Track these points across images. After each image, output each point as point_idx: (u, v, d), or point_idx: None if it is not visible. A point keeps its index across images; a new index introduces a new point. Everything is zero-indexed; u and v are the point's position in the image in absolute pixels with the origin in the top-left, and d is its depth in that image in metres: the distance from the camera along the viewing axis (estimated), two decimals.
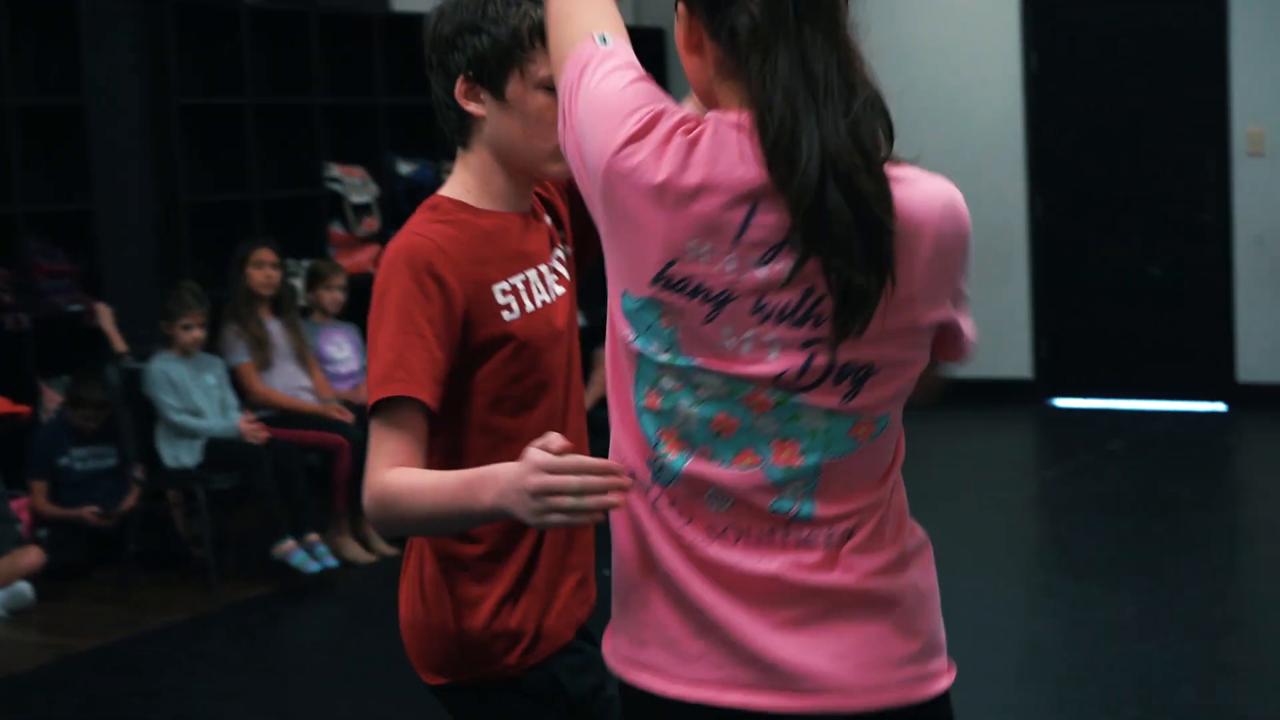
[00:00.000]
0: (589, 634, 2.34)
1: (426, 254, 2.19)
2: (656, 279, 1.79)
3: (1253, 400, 8.77)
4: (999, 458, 8.02)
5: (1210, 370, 8.92)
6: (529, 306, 2.26)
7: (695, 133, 1.78)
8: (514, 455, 1.90)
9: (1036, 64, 9.36)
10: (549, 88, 2.19)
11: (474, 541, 2.22)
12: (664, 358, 1.82)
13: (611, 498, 1.80)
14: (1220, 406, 8.88)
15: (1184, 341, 9.02)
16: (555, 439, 1.85)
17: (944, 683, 1.88)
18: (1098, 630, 5.11)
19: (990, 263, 9.60)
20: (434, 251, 2.19)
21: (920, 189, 1.85)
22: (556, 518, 1.82)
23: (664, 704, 1.85)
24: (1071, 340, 9.40)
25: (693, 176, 1.77)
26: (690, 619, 1.84)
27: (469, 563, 2.24)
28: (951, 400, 8.65)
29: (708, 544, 1.84)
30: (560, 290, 2.32)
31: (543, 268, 2.31)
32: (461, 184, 2.31)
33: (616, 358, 1.86)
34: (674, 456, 1.84)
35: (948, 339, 1.91)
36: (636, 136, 1.79)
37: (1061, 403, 9.41)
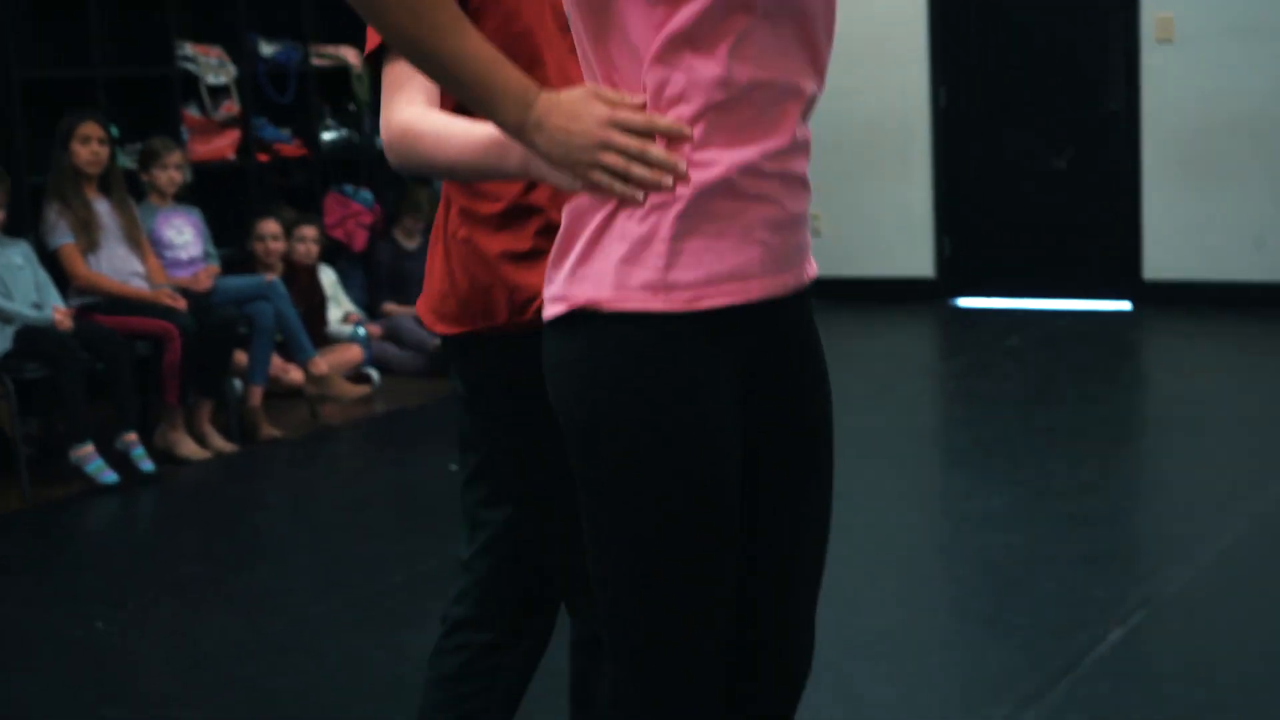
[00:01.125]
0: None
1: None
2: None
3: (1159, 297, 8.46)
4: (895, 354, 7.70)
5: (1116, 267, 8.61)
6: None
7: None
8: None
9: None
10: None
11: (494, 200, 2.25)
12: None
13: (667, 180, 1.75)
14: (1126, 305, 8.58)
15: (1090, 238, 8.70)
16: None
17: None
18: (961, 520, 4.83)
19: (891, 157, 9.24)
20: None
21: None
22: (598, 178, 1.77)
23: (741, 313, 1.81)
24: (975, 237, 9.05)
25: None
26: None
27: (490, 219, 2.27)
28: (852, 299, 8.45)
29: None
30: None
31: None
32: None
33: None
34: None
35: None
36: None
37: (965, 302, 9.08)
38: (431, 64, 1.81)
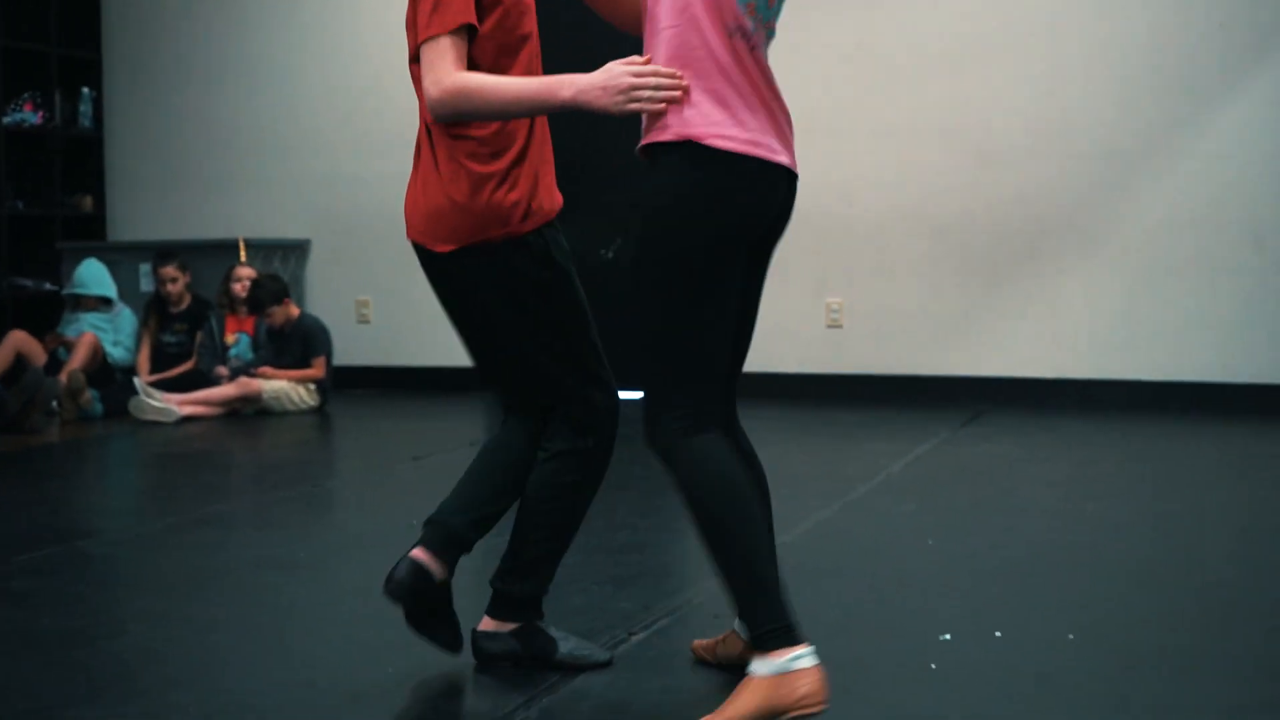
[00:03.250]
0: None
1: None
2: None
3: None
4: (439, 438, 7.49)
5: None
6: None
7: None
8: None
9: None
10: None
11: (494, 152, 3.09)
12: None
13: (676, 94, 2.84)
14: None
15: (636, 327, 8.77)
16: (639, 57, 2.89)
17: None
18: (494, 552, 4.63)
19: None
20: None
21: None
22: (635, 105, 2.87)
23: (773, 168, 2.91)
24: None
25: None
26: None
27: (476, 152, 3.09)
28: (402, 388, 8.16)
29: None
30: None
31: None
32: None
33: None
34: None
35: None
36: None
37: None
38: (509, 105, 3.00)
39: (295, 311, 8.37)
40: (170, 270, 8.57)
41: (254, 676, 3.38)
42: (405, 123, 9.04)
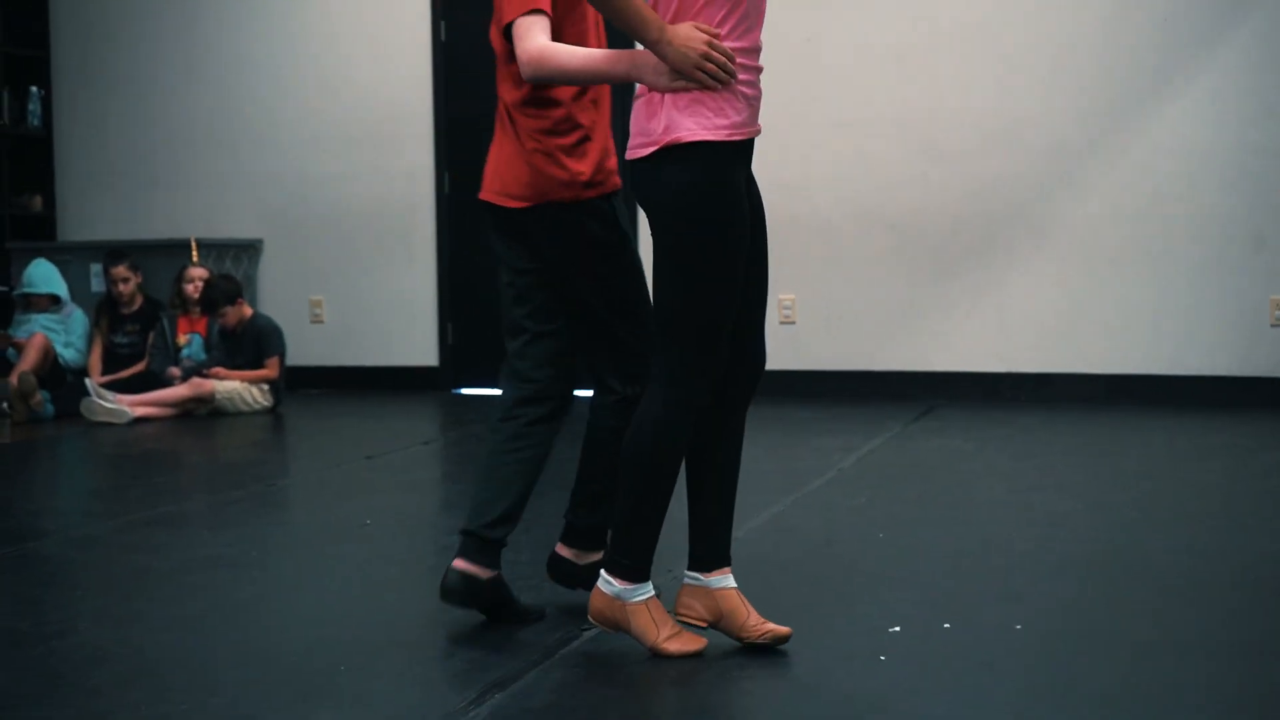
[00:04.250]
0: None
1: None
2: None
3: None
4: (394, 431, 7.48)
5: None
6: None
7: None
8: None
9: (446, 33, 8.99)
10: None
11: (567, 126, 3.53)
12: None
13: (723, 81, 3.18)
14: None
15: None
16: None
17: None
18: (446, 550, 4.65)
19: (395, 244, 9.14)
20: None
21: None
22: (699, 75, 3.15)
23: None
24: (479, 326, 9.01)
25: None
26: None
27: (554, 126, 3.53)
28: (355, 387, 8.24)
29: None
30: None
31: None
32: None
33: None
34: None
35: None
36: None
37: (469, 391, 9.00)
38: (617, 11, 3.18)
39: (248, 312, 8.34)
40: (121, 270, 8.53)
41: (206, 675, 3.37)
42: (358, 121, 9.08)
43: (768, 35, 3.44)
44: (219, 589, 4.17)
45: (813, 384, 8.32)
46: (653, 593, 3.43)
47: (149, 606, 3.98)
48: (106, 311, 8.61)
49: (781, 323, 8.38)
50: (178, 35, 9.51)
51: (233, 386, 8.12)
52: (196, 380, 8.10)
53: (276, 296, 9.33)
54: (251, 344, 8.24)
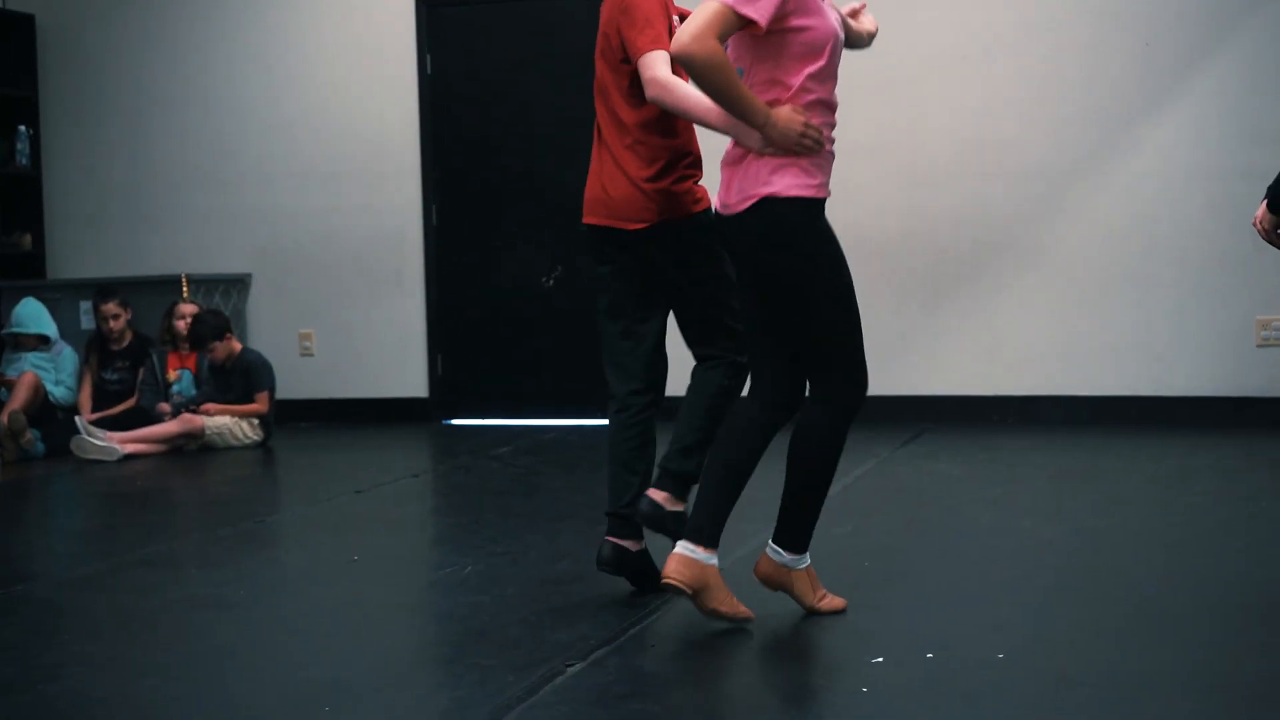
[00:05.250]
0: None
1: None
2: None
3: None
4: (384, 464, 7.49)
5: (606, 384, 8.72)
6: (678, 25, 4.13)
7: None
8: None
9: (432, 67, 9.03)
10: None
11: (673, 157, 4.22)
12: None
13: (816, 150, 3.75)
14: None
15: (579, 355, 8.81)
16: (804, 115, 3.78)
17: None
18: (429, 586, 4.67)
19: (384, 276, 9.16)
20: None
21: None
22: (799, 148, 3.72)
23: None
24: (469, 357, 9.03)
25: None
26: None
27: (671, 158, 4.21)
28: (345, 419, 8.22)
29: None
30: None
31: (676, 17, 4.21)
32: None
33: None
34: None
35: None
36: None
37: (459, 422, 9.02)
38: (731, 101, 3.70)
39: (237, 346, 8.36)
40: (111, 307, 8.55)
41: (190, 719, 3.38)
42: (345, 154, 9.11)
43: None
44: (207, 631, 4.18)
45: None
46: (809, 562, 4.07)
47: (138, 651, 3.99)
48: (96, 348, 8.63)
49: None
50: (164, 74, 9.54)
51: (223, 422, 8.14)
52: (186, 416, 8.12)
53: (266, 330, 9.35)
54: (241, 379, 8.25)
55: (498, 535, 5.37)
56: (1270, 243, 4.12)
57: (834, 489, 6.01)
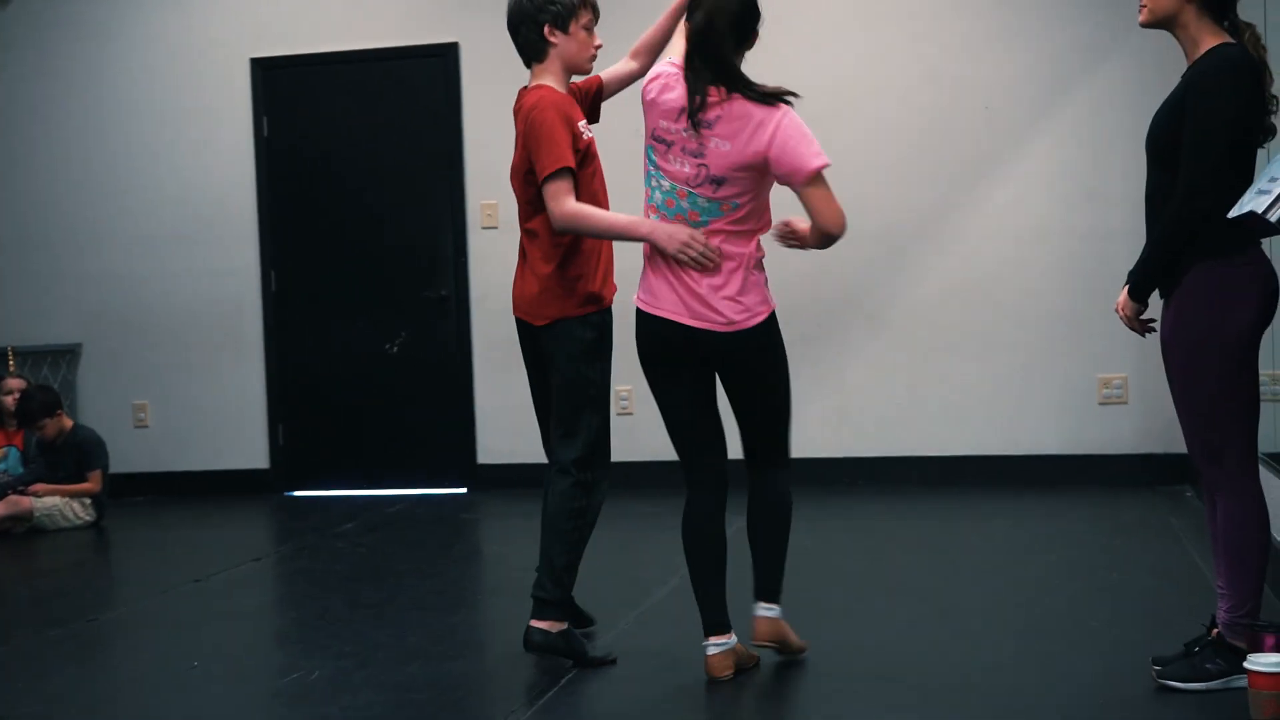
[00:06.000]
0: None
1: (561, 104, 4.50)
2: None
3: (492, 481, 8.50)
4: (223, 543, 7.24)
5: (451, 453, 8.58)
6: (586, 135, 4.56)
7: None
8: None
9: (269, 129, 8.81)
10: (587, 28, 4.61)
11: (577, 256, 4.57)
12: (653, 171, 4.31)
13: (707, 264, 4.22)
14: (462, 489, 8.55)
15: (425, 423, 8.64)
16: (700, 233, 4.23)
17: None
18: (274, 696, 4.47)
19: (222, 345, 8.89)
20: (563, 103, 4.52)
21: None
22: (685, 258, 4.18)
23: (657, 319, 4.27)
24: (311, 426, 8.80)
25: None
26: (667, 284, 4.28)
27: (575, 265, 4.57)
28: (181, 493, 7.91)
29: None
30: (590, 134, 4.62)
31: (582, 122, 4.60)
32: (547, 79, 4.60)
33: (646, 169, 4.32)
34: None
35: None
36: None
37: (301, 493, 8.77)
38: (606, 235, 4.46)
39: (68, 423, 8.05)
40: None
41: None
42: (179, 218, 8.85)
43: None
44: None
45: (652, 475, 8.24)
46: None
47: None
48: None
49: (619, 414, 8.31)
50: None
51: (52, 503, 7.82)
52: (13, 497, 7.78)
53: (97, 401, 9.02)
54: (73, 457, 7.94)
55: (345, 631, 5.18)
56: (1132, 329, 4.13)
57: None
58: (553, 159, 4.35)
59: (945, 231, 8.05)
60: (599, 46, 4.65)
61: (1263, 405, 4.03)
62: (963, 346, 8.04)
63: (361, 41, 8.70)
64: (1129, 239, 7.67)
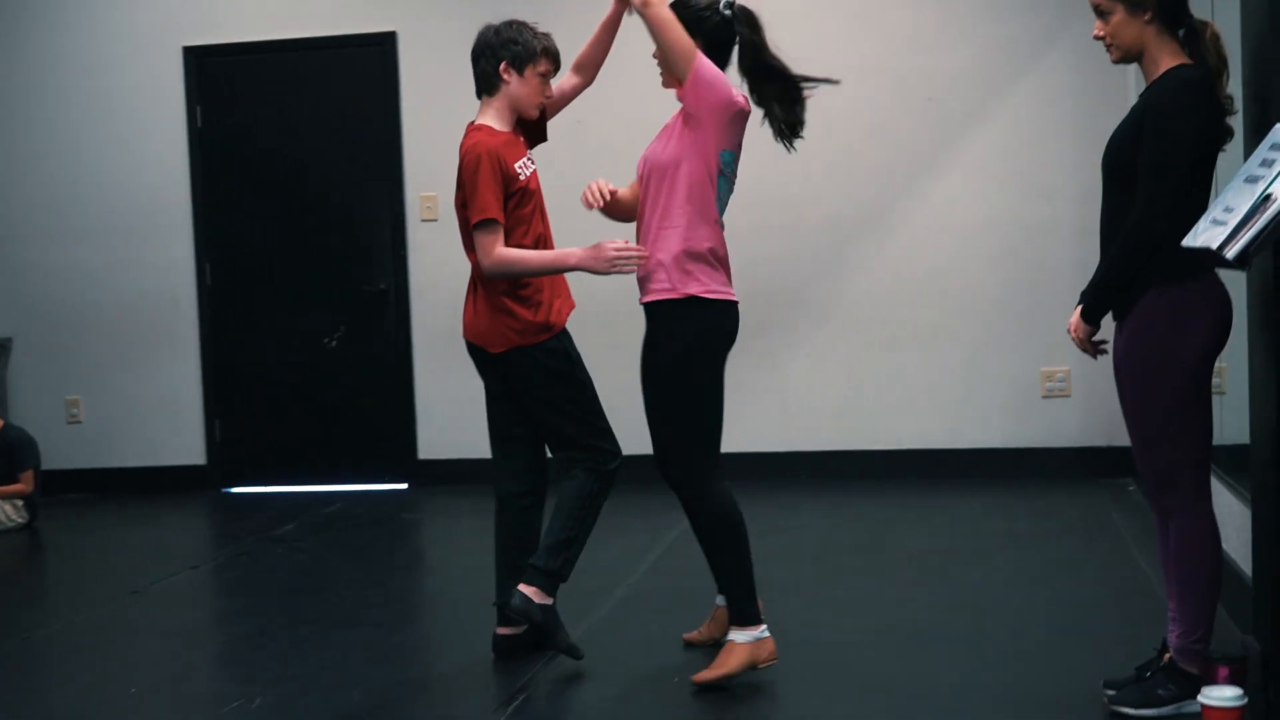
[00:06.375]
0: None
1: (497, 148, 4.63)
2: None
3: (433, 476, 8.41)
4: (162, 546, 7.12)
5: (392, 447, 8.48)
6: (524, 174, 4.67)
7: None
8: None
9: (202, 120, 8.64)
10: (543, 76, 4.76)
11: (525, 286, 4.68)
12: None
13: (637, 266, 4.47)
14: (403, 485, 8.46)
15: (365, 418, 8.54)
16: (620, 240, 4.52)
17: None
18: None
19: (157, 338, 8.74)
20: (499, 146, 4.64)
21: None
22: (617, 270, 4.47)
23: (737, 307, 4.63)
24: (248, 421, 8.67)
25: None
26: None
27: (523, 295, 4.69)
28: (116, 490, 7.74)
29: None
30: (532, 168, 4.75)
31: (525, 159, 4.73)
32: (490, 116, 4.74)
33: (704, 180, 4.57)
34: None
35: None
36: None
37: (239, 489, 8.65)
38: (538, 272, 4.64)
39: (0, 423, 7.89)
40: None
41: None
42: (113, 211, 8.67)
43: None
44: None
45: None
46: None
47: None
48: None
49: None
50: None
51: None
52: None
53: (29, 397, 8.85)
54: (3, 458, 7.78)
55: (287, 652, 5.08)
56: (1084, 350, 4.09)
57: (635, 573, 5.87)
58: (477, 209, 4.55)
59: (888, 224, 8.01)
60: (549, 97, 4.82)
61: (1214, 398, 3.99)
62: (906, 339, 8.01)
63: (298, 30, 8.54)
64: (1073, 232, 7.67)
